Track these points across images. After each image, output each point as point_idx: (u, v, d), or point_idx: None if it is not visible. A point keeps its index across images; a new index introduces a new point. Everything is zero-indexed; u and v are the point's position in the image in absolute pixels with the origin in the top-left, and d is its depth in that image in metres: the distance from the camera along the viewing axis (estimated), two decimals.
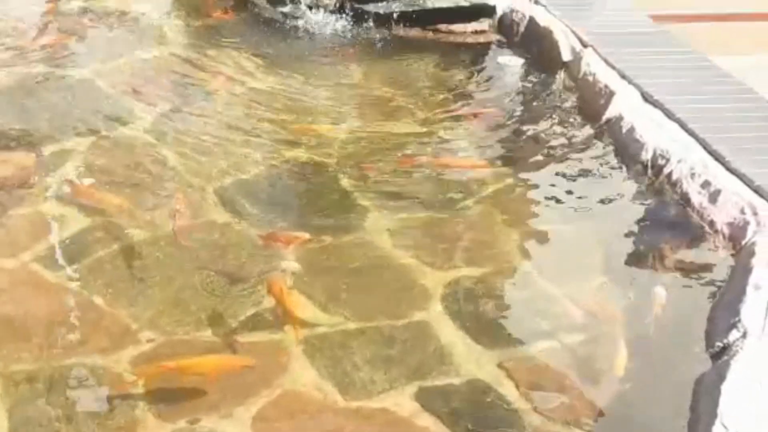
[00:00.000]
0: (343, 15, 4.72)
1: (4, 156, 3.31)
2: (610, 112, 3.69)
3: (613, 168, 3.48)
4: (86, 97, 3.85)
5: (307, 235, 2.96)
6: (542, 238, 3.15)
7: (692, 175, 3.12)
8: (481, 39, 4.75)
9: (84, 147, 3.45)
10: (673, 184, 3.18)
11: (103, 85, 3.94)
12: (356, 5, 4.72)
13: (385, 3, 4.71)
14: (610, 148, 3.57)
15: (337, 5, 4.72)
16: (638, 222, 3.20)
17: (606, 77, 3.89)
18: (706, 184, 3.05)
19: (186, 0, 5.02)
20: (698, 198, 3.04)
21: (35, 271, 2.72)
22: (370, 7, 4.71)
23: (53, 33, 4.48)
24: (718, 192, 2.99)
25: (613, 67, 3.98)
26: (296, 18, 4.72)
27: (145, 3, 4.90)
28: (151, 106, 3.81)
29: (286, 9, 4.76)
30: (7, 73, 3.97)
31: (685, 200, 3.10)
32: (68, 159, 3.36)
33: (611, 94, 3.75)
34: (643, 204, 3.27)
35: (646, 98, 3.70)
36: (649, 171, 3.34)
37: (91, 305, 2.60)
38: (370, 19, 4.70)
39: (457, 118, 3.94)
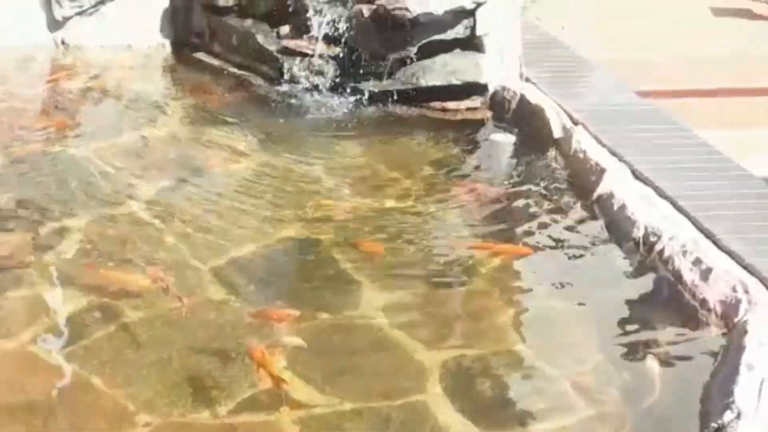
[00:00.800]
0: (339, 93, 4.81)
1: (2, 236, 3.33)
2: (601, 189, 3.75)
3: (605, 244, 3.52)
4: (85, 175, 3.90)
5: (297, 312, 2.98)
6: (538, 316, 3.17)
7: (684, 253, 3.15)
8: (474, 116, 4.83)
9: (81, 226, 3.49)
10: (665, 262, 3.21)
11: (101, 164, 3.99)
12: (352, 84, 4.81)
13: (380, 82, 4.80)
14: (602, 224, 3.62)
15: (333, 84, 4.82)
16: (632, 299, 3.23)
17: (596, 154, 3.96)
18: (697, 262, 3.09)
19: (185, 79, 5.13)
20: (690, 275, 3.08)
21: (33, 353, 2.73)
22: (366, 86, 4.80)
23: (53, 112, 4.56)
24: (709, 270, 3.03)
25: (603, 145, 4.06)
26: (293, 97, 4.81)
27: (145, 82, 5.01)
28: (149, 185, 3.85)
29: (284, 88, 4.86)
30: (7, 152, 4.02)
31: (677, 278, 3.13)
32: (65, 238, 3.39)
33: (602, 171, 3.81)
34: (636, 281, 3.30)
35: (637, 175, 3.77)
36: (641, 248, 3.38)
37: (88, 387, 2.59)
38: (366, 98, 4.79)
39: (452, 195, 3.98)
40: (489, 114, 4.81)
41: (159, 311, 3.00)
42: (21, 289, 3.06)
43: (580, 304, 3.18)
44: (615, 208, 3.60)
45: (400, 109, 4.81)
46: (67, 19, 5.34)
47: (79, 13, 5.34)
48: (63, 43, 5.38)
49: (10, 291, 3.03)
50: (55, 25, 5.37)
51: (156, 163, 4.09)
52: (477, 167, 4.36)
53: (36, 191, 3.74)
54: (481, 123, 4.76)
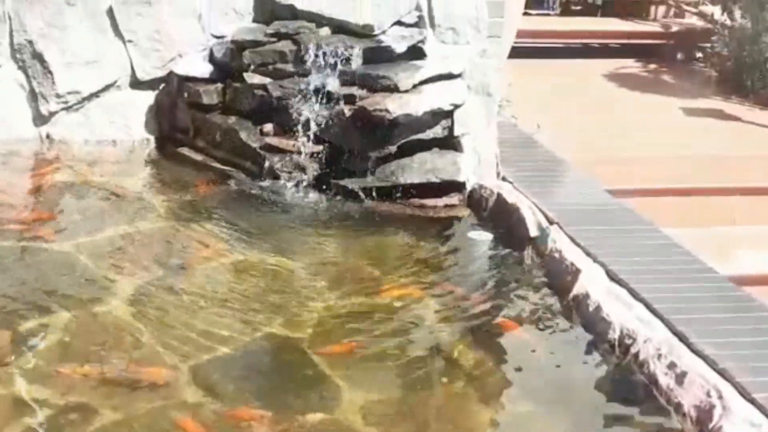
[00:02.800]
0: (321, 190, 4.89)
1: None
2: (576, 290, 3.81)
3: (582, 346, 3.56)
4: (66, 271, 3.91)
5: (269, 413, 2.99)
6: (515, 419, 3.18)
7: (658, 356, 3.20)
8: (452, 213, 4.92)
9: (61, 323, 3.48)
10: (640, 365, 3.26)
11: (83, 259, 4.01)
12: (332, 180, 4.90)
13: (360, 178, 4.89)
14: (578, 325, 3.67)
15: (315, 181, 4.90)
16: (608, 401, 3.26)
17: (571, 255, 4.03)
18: (672, 366, 3.13)
19: (168, 174, 5.19)
20: (665, 379, 3.12)
21: None
22: (346, 182, 4.88)
23: (36, 206, 4.59)
24: (683, 374, 3.07)
25: (578, 245, 4.14)
26: (275, 193, 4.88)
27: (128, 177, 5.06)
28: (131, 281, 3.86)
29: (266, 183, 4.93)
30: None
31: (653, 381, 3.17)
32: (44, 335, 3.38)
33: (577, 271, 3.88)
34: (612, 383, 3.34)
35: (612, 277, 3.84)
36: (617, 350, 3.43)
37: None
38: (346, 194, 4.87)
39: (432, 293, 4.02)
40: (467, 212, 4.91)
41: (137, 412, 2.99)
42: None
43: (556, 405, 3.20)
44: (590, 308, 3.65)
45: (380, 206, 4.88)
46: (52, 114, 5.43)
47: (65, 109, 5.43)
48: (48, 137, 5.45)
49: None
50: (41, 119, 5.45)
51: (137, 259, 4.10)
52: (455, 265, 4.41)
53: (17, 286, 3.74)
54: (459, 220, 4.85)
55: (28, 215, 4.47)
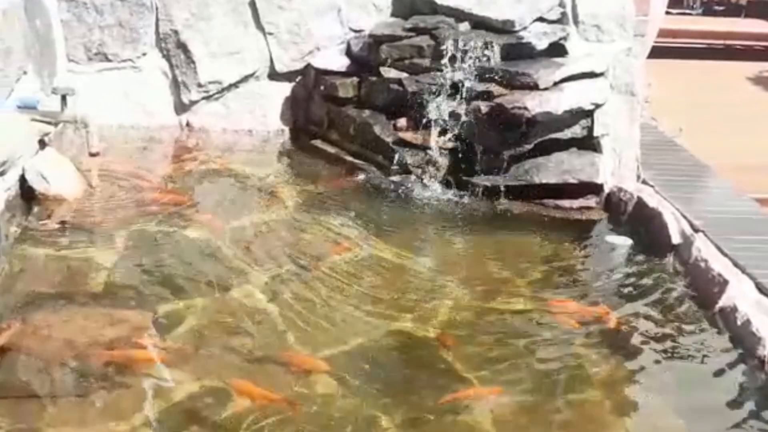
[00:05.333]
0: (452, 187, 4.83)
1: (121, 315, 3.40)
2: (723, 302, 3.62)
3: (728, 360, 3.37)
4: (203, 257, 3.99)
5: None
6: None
7: None
8: (588, 216, 4.77)
9: (198, 308, 3.55)
10: None
11: (220, 246, 4.08)
12: (464, 177, 4.82)
13: (492, 176, 4.80)
14: (725, 339, 3.48)
15: (447, 177, 4.84)
16: (755, 420, 3.06)
17: (718, 265, 3.83)
18: None
19: (300, 166, 5.25)
20: None
21: None
22: (478, 180, 4.80)
23: (174, 192, 4.71)
24: None
25: (726, 255, 3.93)
26: (406, 187, 4.85)
27: (263, 167, 5.14)
28: (264, 269, 3.91)
29: (397, 178, 4.91)
30: (129, 230, 4.14)
31: None
32: (182, 320, 3.45)
33: (725, 282, 3.68)
34: (761, 401, 3.14)
35: (762, 290, 3.62)
36: (767, 366, 3.23)
37: None
38: (478, 192, 4.78)
39: (566, 298, 3.89)
40: (603, 215, 4.74)
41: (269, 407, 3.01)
42: (136, 370, 3.12)
43: (699, 420, 3.04)
44: (739, 322, 3.46)
45: (513, 205, 4.78)
46: (193, 103, 5.58)
47: (205, 98, 5.57)
48: (188, 125, 5.60)
49: (125, 372, 3.09)
50: (181, 107, 5.61)
51: (270, 248, 4.14)
52: (592, 269, 4.26)
53: (157, 269, 3.84)
54: (595, 224, 4.69)
55: (167, 199, 4.59)
